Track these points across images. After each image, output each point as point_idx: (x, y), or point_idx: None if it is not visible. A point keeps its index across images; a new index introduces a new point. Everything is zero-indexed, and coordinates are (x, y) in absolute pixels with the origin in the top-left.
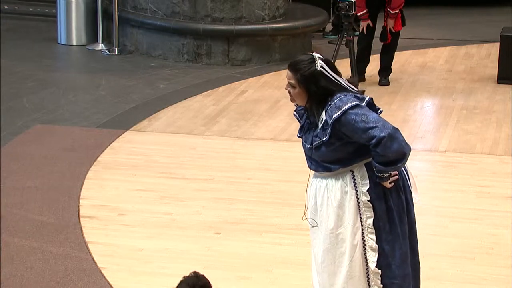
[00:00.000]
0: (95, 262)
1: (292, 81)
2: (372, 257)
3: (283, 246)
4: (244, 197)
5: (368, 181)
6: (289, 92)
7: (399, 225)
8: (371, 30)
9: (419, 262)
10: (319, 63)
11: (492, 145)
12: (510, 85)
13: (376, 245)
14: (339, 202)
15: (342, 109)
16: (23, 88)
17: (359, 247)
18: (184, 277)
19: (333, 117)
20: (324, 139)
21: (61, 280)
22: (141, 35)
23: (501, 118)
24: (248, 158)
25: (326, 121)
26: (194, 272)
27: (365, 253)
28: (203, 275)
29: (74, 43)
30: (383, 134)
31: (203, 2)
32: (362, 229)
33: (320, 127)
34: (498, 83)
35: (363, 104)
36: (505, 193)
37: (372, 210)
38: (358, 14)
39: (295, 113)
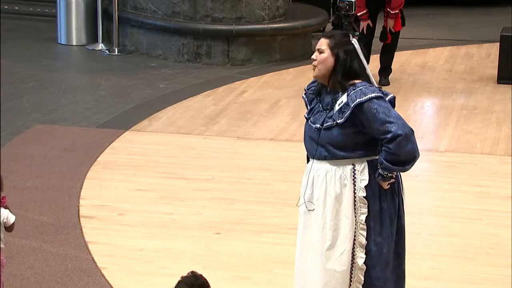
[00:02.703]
0: (95, 262)
1: (323, 47)
2: (360, 253)
3: (283, 246)
4: (244, 197)
5: (367, 178)
6: (313, 60)
7: (389, 228)
8: (371, 30)
9: (403, 271)
10: (354, 40)
11: (492, 145)
12: (510, 85)
13: (366, 241)
14: (337, 194)
15: (368, 96)
16: (23, 88)
17: (350, 241)
18: (182, 277)
19: (357, 100)
20: (339, 121)
21: (61, 280)
22: (141, 35)
23: (501, 118)
24: (248, 158)
25: (346, 103)
26: (192, 272)
27: (353, 249)
28: (200, 275)
29: (74, 43)
30: (401, 132)
31: (203, 2)
32: (355, 224)
33: (337, 109)
34: (498, 83)
35: (386, 99)
36: (505, 193)
37: (366, 207)
38: (358, 14)
39: (304, 96)
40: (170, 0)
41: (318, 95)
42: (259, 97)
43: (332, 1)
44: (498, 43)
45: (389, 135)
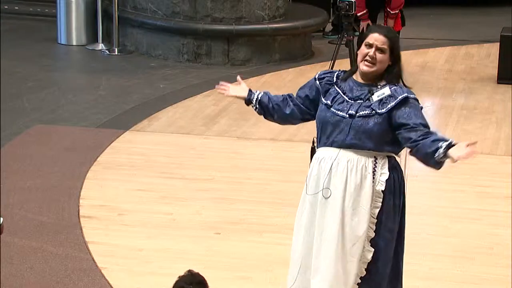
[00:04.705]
0: (95, 262)
1: (385, 46)
2: (368, 246)
3: (283, 246)
4: (244, 197)
5: (387, 172)
6: (372, 58)
7: (396, 225)
8: None
9: (400, 271)
10: None
11: (492, 145)
12: (510, 85)
13: (374, 234)
14: (357, 184)
15: (414, 96)
16: (23, 88)
17: (364, 234)
18: (179, 276)
19: (405, 94)
20: (380, 111)
21: (61, 280)
22: (141, 35)
23: (501, 118)
24: (248, 158)
25: (390, 95)
26: (189, 271)
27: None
28: (197, 273)
29: (74, 43)
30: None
31: (203, 2)
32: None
33: (376, 100)
34: (498, 83)
35: None
36: (505, 193)
37: (381, 201)
38: (358, 14)
39: (319, 85)
40: (170, 0)
41: (340, 85)
42: None
43: (332, 1)
44: (498, 43)
45: (429, 128)
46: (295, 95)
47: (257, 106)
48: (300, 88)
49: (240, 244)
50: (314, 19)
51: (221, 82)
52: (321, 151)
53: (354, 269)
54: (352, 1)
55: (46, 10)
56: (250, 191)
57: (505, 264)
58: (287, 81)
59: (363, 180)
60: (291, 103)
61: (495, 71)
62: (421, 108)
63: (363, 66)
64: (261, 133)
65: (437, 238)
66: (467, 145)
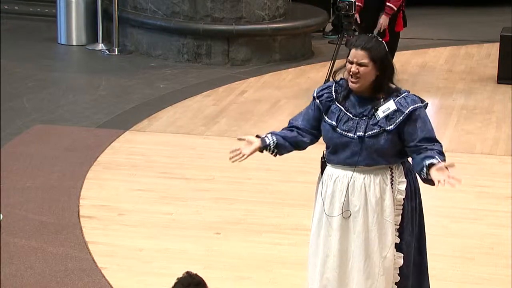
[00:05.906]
0: (95, 262)
1: (365, 60)
2: (397, 253)
3: (283, 246)
4: (244, 197)
5: (405, 180)
6: (355, 74)
7: (416, 226)
8: (370, 30)
9: (425, 264)
10: (383, 42)
11: (492, 145)
12: (510, 85)
13: (399, 240)
14: (377, 199)
15: (419, 104)
16: (23, 88)
17: (392, 245)
18: (178, 278)
19: (411, 107)
20: (388, 128)
21: (61, 280)
22: (141, 35)
23: (501, 118)
24: (248, 158)
25: (396, 110)
26: (187, 272)
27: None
28: (195, 274)
29: (74, 43)
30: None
31: (203, 2)
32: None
33: (382, 116)
34: (498, 83)
35: None
36: (505, 193)
37: (402, 208)
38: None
39: (319, 104)
40: (170, 0)
41: (341, 102)
42: (259, 97)
43: (332, 1)
44: (498, 43)
45: (437, 143)
46: (298, 126)
47: (275, 150)
48: (299, 115)
49: (240, 244)
50: (314, 19)
51: (231, 150)
52: (334, 170)
53: (390, 279)
54: (352, 1)
55: (46, 10)
56: (250, 191)
57: (505, 264)
58: (287, 81)
59: (382, 193)
60: (305, 134)
61: (495, 71)
62: (426, 105)
63: (350, 83)
64: (261, 133)
65: (437, 238)
66: (446, 166)
